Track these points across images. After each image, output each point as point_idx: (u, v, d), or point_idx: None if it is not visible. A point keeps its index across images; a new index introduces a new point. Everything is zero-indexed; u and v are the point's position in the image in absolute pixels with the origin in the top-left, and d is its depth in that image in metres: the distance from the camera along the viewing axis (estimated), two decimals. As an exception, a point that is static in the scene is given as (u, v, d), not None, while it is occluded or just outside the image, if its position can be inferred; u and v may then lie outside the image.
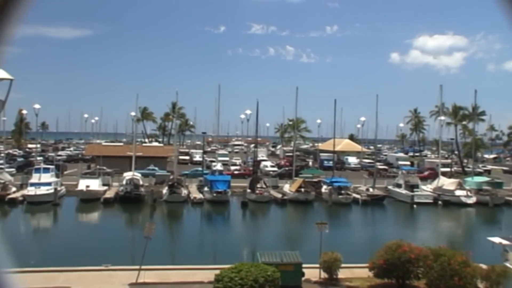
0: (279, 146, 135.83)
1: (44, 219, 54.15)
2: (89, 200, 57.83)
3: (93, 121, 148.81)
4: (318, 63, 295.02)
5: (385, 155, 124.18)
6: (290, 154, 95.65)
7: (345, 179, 67.84)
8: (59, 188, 59.72)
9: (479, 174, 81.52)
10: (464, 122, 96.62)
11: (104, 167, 72.16)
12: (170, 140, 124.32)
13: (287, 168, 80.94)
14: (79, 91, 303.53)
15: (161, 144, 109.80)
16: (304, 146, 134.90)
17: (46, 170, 61.68)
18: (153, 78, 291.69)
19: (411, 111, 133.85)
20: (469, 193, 63.71)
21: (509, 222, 53.54)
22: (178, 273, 26.65)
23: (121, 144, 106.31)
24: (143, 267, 24.83)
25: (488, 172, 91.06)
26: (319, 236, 26.67)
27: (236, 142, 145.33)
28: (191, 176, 72.69)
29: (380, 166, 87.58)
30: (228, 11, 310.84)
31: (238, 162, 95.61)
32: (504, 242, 26.12)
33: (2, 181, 60.13)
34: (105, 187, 63.10)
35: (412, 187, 65.24)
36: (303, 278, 24.16)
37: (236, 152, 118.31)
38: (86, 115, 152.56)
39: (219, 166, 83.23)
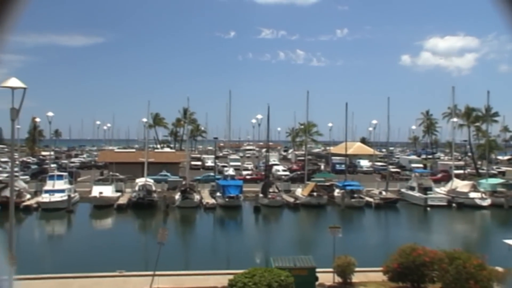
0: (290, 150, 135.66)
1: (58, 225, 54.48)
2: (102, 207, 58.10)
3: (105, 127, 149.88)
4: (329, 66, 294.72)
5: (398, 157, 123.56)
6: (302, 158, 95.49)
7: (357, 182, 67.56)
8: (72, 195, 60.12)
9: (494, 176, 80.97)
10: (477, 124, 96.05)
11: (117, 174, 72.50)
12: (182, 146, 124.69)
13: (299, 172, 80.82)
14: (91, 99, 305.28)
15: (173, 150, 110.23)
16: (316, 150, 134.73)
17: (60, 177, 62.14)
18: (165, 84, 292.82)
19: (423, 113, 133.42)
20: (483, 195, 63.16)
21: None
22: (191, 279, 26.67)
23: (133, 150, 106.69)
24: (156, 272, 24.86)
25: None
26: (332, 240, 26.56)
27: (248, 147, 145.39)
28: (203, 182, 72.77)
29: (392, 169, 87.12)
30: (238, 16, 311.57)
31: (250, 167, 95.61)
32: (520, 244, 25.85)
33: (17, 189, 60.40)
34: (118, 194, 63.37)
35: (425, 189, 64.90)
36: (316, 283, 24.06)
37: (248, 157, 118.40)
38: (98, 122, 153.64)
39: (231, 171, 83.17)
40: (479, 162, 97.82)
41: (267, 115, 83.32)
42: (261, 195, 62.14)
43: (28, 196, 61.26)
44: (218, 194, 61.93)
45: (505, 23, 2.91)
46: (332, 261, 25.26)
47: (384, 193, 66.36)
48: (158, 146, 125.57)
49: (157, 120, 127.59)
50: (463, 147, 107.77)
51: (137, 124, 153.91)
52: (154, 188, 62.26)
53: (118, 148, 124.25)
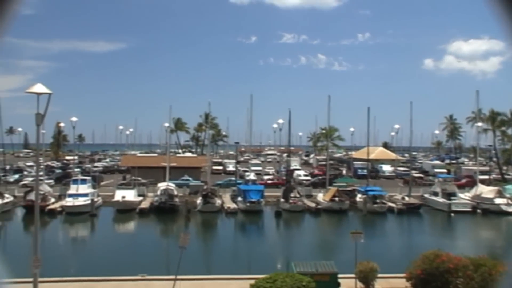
0: (312, 155, 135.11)
1: (82, 229, 55.06)
2: (125, 211, 58.54)
3: (128, 132, 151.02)
4: (350, 71, 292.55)
5: (421, 162, 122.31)
6: (324, 163, 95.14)
7: (379, 187, 67.04)
8: (95, 199, 60.72)
9: (519, 181, 79.68)
10: (502, 128, 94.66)
11: (139, 178, 73.04)
12: (203, 151, 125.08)
13: (320, 177, 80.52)
14: (114, 103, 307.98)
15: (195, 155, 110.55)
16: (338, 155, 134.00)
17: (83, 181, 62.86)
18: (186, 89, 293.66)
19: (446, 117, 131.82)
20: (509, 201, 62.14)
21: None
22: (213, 283, 26.77)
23: (155, 155, 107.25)
24: (178, 277, 24.95)
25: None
26: (354, 245, 26.37)
27: (269, 152, 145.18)
28: (224, 186, 72.89)
29: (415, 174, 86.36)
30: (259, 21, 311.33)
31: (271, 171, 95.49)
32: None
33: (41, 192, 61.26)
34: (141, 198, 63.80)
35: (449, 195, 64.13)
36: (338, 288, 23.95)
37: (269, 162, 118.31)
38: (121, 127, 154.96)
39: (252, 176, 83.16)
40: (505, 168, 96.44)
41: (288, 120, 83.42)
42: (282, 200, 62.04)
43: (53, 200, 62.06)
44: (239, 198, 62.00)
45: (504, 26, 2.87)
46: (354, 267, 25.10)
47: (406, 198, 65.81)
48: (180, 150, 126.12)
49: (179, 125, 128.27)
50: (488, 152, 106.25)
51: (159, 129, 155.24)
52: (175, 193, 62.57)
53: (141, 153, 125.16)
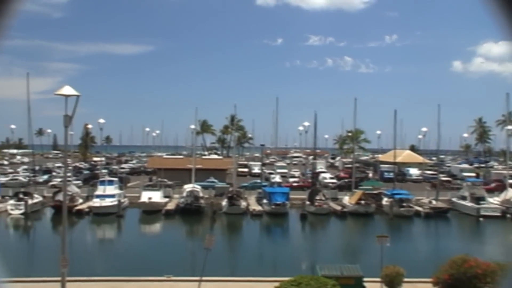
0: (338, 158, 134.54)
1: (109, 230, 55.70)
2: (151, 212, 59.02)
3: (154, 134, 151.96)
4: (377, 73, 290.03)
5: (449, 166, 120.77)
6: (350, 165, 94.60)
7: (406, 191, 66.37)
8: (122, 200, 61.33)
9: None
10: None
11: (165, 180, 73.54)
12: (229, 153, 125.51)
13: (346, 180, 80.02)
14: (141, 105, 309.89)
15: (220, 157, 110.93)
16: (364, 158, 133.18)
17: (111, 183, 63.59)
18: (212, 91, 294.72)
19: (475, 120, 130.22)
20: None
21: None
22: (237, 285, 26.84)
23: (181, 157, 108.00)
24: (203, 278, 25.08)
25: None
26: (380, 249, 26.20)
27: (295, 154, 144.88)
28: (250, 188, 72.96)
29: (443, 177, 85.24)
30: (286, 23, 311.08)
31: (296, 174, 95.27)
32: None
33: (69, 193, 62.15)
34: (166, 199, 64.24)
35: (477, 199, 63.07)
36: (364, 292, 23.80)
37: (295, 164, 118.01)
38: (147, 129, 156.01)
39: (277, 178, 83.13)
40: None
41: (314, 122, 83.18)
42: (307, 202, 61.85)
43: (80, 200, 62.93)
44: (264, 201, 61.99)
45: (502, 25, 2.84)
46: (380, 270, 24.93)
47: (434, 202, 64.99)
48: (206, 152, 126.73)
49: (204, 127, 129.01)
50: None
51: (185, 131, 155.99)
52: (201, 194, 62.87)
53: (167, 155, 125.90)
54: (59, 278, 20.49)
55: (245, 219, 59.27)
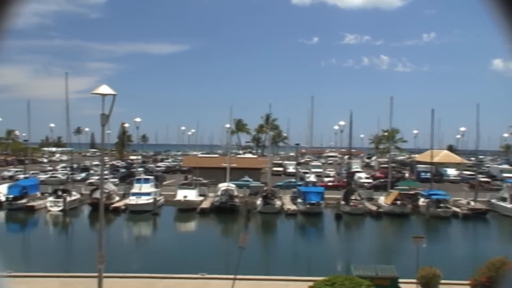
0: (373, 158, 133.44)
1: (145, 227, 56.38)
2: (186, 210, 59.50)
3: (189, 133, 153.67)
4: (414, 72, 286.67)
5: (488, 167, 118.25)
6: (385, 165, 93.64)
7: (444, 192, 65.29)
8: (158, 198, 62.01)
9: None
10: None
11: (200, 178, 74.08)
12: (264, 152, 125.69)
13: (382, 180, 79.27)
14: (177, 105, 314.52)
15: (255, 156, 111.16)
16: (400, 157, 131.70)
17: (146, 181, 64.33)
18: (247, 90, 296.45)
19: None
20: None
21: None
22: (271, 284, 26.84)
23: (217, 155, 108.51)
24: (237, 276, 25.15)
25: None
26: (416, 250, 25.84)
27: (330, 154, 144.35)
28: (284, 188, 72.91)
29: (482, 178, 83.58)
30: (321, 22, 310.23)
31: (331, 173, 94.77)
32: None
33: (106, 191, 63.13)
34: (201, 198, 64.68)
35: (518, 201, 61.66)
36: (399, 293, 23.52)
37: (330, 164, 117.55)
38: (183, 128, 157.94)
39: (312, 178, 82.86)
40: None
41: (349, 122, 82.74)
42: (342, 202, 61.46)
43: (117, 198, 63.87)
44: (299, 200, 61.87)
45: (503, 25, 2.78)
46: (416, 272, 24.61)
47: (472, 203, 63.73)
48: (241, 151, 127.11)
49: (239, 126, 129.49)
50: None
51: (221, 130, 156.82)
52: (236, 193, 63.16)
53: (202, 154, 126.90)
54: (96, 274, 20.82)
55: (280, 218, 59.25)
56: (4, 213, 59.74)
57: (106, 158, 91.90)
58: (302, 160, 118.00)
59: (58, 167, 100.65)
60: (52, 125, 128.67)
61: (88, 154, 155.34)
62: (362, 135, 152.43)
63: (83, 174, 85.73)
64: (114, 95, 20.48)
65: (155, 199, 60.19)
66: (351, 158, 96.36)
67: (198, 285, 26.49)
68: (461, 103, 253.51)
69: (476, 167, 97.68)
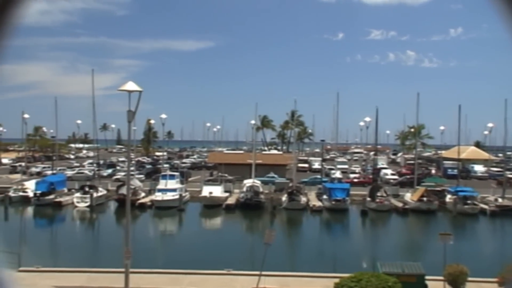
0: (399, 154, 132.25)
1: (170, 223, 56.77)
2: (211, 206, 59.75)
3: (215, 129, 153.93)
4: (441, 67, 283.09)
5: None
6: (412, 162, 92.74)
7: (471, 188, 64.42)
8: (183, 194, 62.40)
9: None
10: None
11: (226, 174, 74.20)
12: (289, 148, 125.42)
13: (408, 177, 78.55)
14: (202, 101, 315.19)
15: (280, 152, 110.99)
16: (426, 154, 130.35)
17: (172, 177, 64.70)
18: (272, 86, 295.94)
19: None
20: None
21: None
22: (297, 280, 26.81)
23: (242, 152, 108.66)
24: (263, 272, 25.17)
25: None
26: (443, 247, 25.56)
27: (355, 150, 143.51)
28: (310, 184, 72.70)
29: (510, 175, 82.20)
30: (346, 18, 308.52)
31: (357, 170, 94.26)
32: None
33: (132, 187, 63.70)
34: (227, 194, 64.86)
35: (547, 197, 60.57)
36: (426, 291, 23.31)
37: (355, 160, 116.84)
38: (208, 124, 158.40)
39: (338, 174, 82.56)
40: None
41: (375, 118, 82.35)
42: (368, 199, 61.08)
43: (143, 194, 64.43)
44: (324, 196, 61.65)
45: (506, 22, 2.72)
46: (443, 269, 24.36)
47: (500, 200, 62.72)
48: (266, 148, 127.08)
49: (265, 123, 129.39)
50: None
51: (246, 126, 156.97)
52: (261, 190, 63.17)
53: (227, 150, 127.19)
54: (122, 270, 21.03)
55: (305, 215, 59.16)
56: (32, 208, 60.72)
57: (132, 154, 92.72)
58: (328, 157, 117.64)
59: (85, 163, 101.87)
60: (78, 121, 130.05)
61: (114, 150, 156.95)
62: (387, 131, 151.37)
63: (109, 170, 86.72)
64: (140, 91, 20.62)
65: (180, 195, 60.54)
66: (376, 155, 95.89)
67: (224, 281, 26.60)
68: (489, 98, 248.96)
69: (504, 163, 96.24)
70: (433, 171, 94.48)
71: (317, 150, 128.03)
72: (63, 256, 38.41)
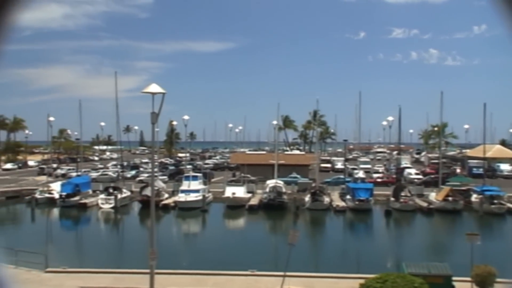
0: (423, 153, 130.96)
1: (194, 224, 56.98)
2: (235, 207, 59.81)
3: (237, 130, 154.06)
4: (465, 65, 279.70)
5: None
6: (436, 161, 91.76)
7: (497, 187, 63.50)
8: (206, 195, 62.60)
9: None
10: None
11: (248, 175, 74.22)
12: (311, 148, 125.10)
13: (432, 176, 77.72)
14: (223, 102, 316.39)
15: (303, 152, 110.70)
16: (451, 153, 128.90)
17: (195, 178, 64.93)
18: (294, 86, 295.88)
19: None
20: None
21: None
22: (322, 281, 26.66)
23: (264, 152, 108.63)
24: (287, 273, 25.07)
25: None
26: (470, 247, 25.19)
27: (378, 149, 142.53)
28: (333, 184, 72.36)
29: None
30: (368, 16, 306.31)
31: (380, 169, 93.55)
32: None
33: (156, 188, 63.96)
34: (250, 194, 64.92)
35: None
36: (453, 292, 23.00)
37: (378, 160, 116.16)
38: (230, 125, 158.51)
39: (361, 174, 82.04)
40: None
41: (398, 117, 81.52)
42: (392, 198, 60.61)
43: (166, 195, 64.73)
44: (348, 197, 61.34)
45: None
46: (470, 270, 23.99)
47: (527, 199, 61.79)
48: (288, 148, 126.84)
49: (287, 123, 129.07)
50: None
51: (268, 126, 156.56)
52: (284, 190, 63.07)
53: (249, 150, 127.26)
54: (148, 271, 21.12)
55: (328, 215, 58.91)
56: (58, 210, 61.48)
57: (155, 156, 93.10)
58: (350, 156, 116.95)
59: (108, 165, 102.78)
60: (102, 123, 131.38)
61: (137, 152, 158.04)
62: (411, 131, 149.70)
63: (133, 172, 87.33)
64: (163, 93, 20.68)
65: (203, 196, 60.76)
66: (400, 154, 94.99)
67: (248, 282, 26.57)
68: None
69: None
70: (458, 170, 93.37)
71: (340, 150, 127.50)
72: (89, 257, 38.77)
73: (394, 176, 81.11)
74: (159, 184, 64.99)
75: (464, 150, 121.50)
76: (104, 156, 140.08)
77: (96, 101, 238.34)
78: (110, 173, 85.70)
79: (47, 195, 64.06)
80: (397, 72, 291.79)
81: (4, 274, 5.08)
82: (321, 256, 41.71)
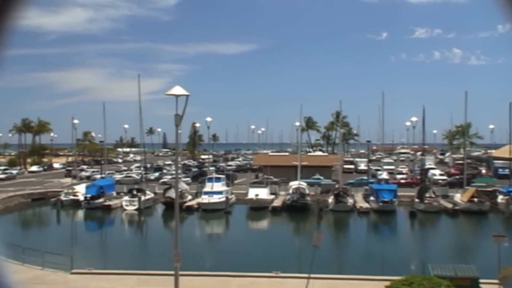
0: (447, 154, 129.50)
1: (217, 225, 57.11)
2: (258, 208, 59.79)
3: (259, 132, 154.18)
4: (489, 64, 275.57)
5: None
6: (460, 161, 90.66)
7: (524, 188, 62.48)
8: (230, 197, 62.67)
9: None
10: None
11: (271, 177, 74.15)
12: (334, 149, 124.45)
13: (457, 177, 76.80)
14: (246, 103, 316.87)
15: (326, 153, 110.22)
16: (476, 153, 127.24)
17: (218, 180, 65.14)
18: (316, 87, 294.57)
19: None
20: None
21: None
22: (346, 283, 26.52)
23: (287, 154, 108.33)
24: (311, 275, 24.98)
25: None
26: (497, 249, 24.82)
27: (402, 150, 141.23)
28: (356, 185, 71.92)
29: None
30: (390, 17, 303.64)
31: (404, 170, 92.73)
32: None
33: (179, 190, 64.17)
34: (273, 196, 64.80)
35: None
36: (480, 294, 22.67)
37: (402, 160, 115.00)
38: (253, 126, 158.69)
39: (384, 175, 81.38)
40: None
41: (422, 117, 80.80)
42: (416, 200, 60.05)
43: (190, 197, 64.96)
44: (371, 198, 60.92)
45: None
46: (497, 272, 23.64)
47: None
48: (311, 149, 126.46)
49: (309, 124, 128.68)
50: None
51: (290, 127, 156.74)
52: (307, 191, 62.87)
53: (272, 152, 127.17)
54: (172, 272, 21.22)
55: (352, 217, 58.59)
56: (83, 212, 62.19)
57: (179, 158, 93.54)
58: (374, 157, 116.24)
59: (132, 167, 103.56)
60: (126, 126, 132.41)
61: (160, 154, 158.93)
62: (435, 131, 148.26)
63: (157, 174, 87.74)
64: (187, 95, 20.78)
65: (227, 197, 60.87)
66: (424, 155, 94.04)
67: (273, 283, 26.53)
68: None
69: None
70: (483, 171, 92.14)
71: (363, 151, 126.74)
72: (113, 258, 39.11)
73: (418, 177, 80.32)
74: (183, 186, 65.17)
75: (489, 151, 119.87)
76: (128, 158, 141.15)
77: (120, 103, 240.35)
78: (133, 175, 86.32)
79: (72, 197, 64.82)
80: (420, 72, 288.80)
81: (4, 270, 5.09)
82: (345, 258, 41.51)
